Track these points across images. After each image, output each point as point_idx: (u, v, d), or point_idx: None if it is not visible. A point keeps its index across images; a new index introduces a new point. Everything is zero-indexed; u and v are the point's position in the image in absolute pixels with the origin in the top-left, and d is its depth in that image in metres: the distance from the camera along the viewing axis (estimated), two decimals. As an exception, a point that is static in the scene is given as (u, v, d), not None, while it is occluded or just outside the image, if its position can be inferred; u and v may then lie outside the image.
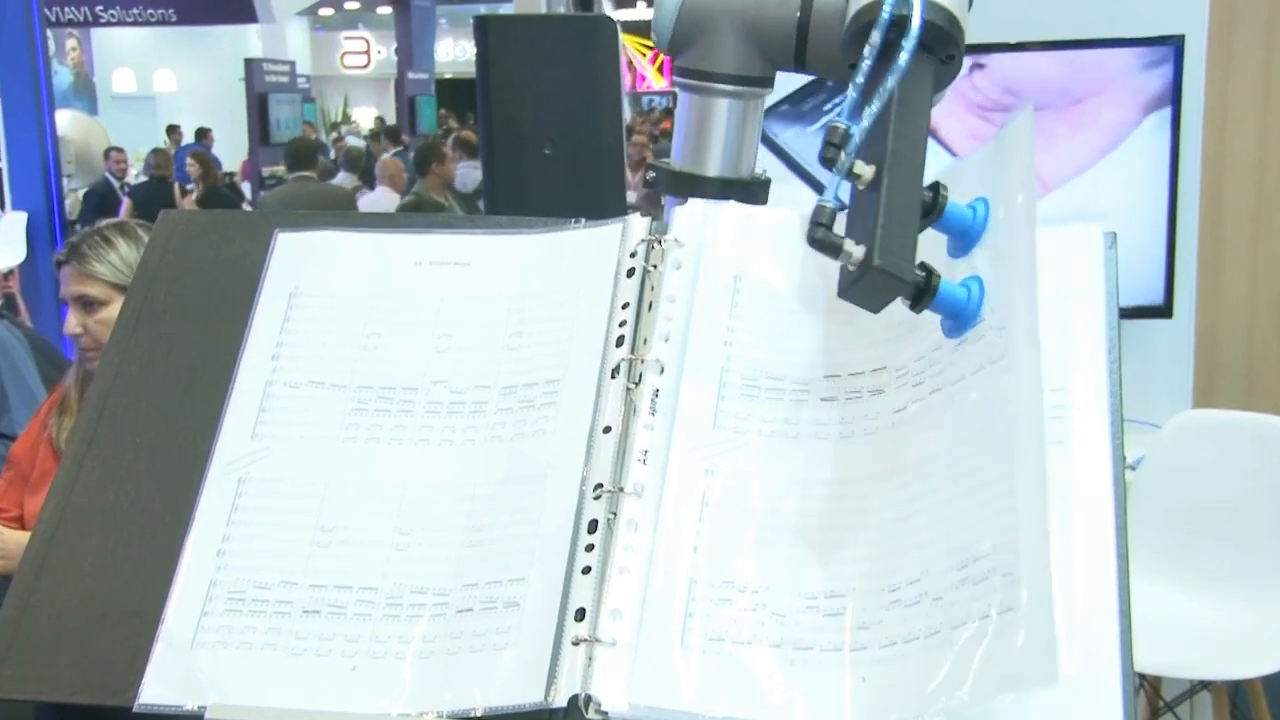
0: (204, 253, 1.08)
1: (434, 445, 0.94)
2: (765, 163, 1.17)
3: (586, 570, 0.84)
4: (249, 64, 14.21)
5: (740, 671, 0.80)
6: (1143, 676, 2.54)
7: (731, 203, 1.02)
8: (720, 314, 0.95)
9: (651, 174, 1.12)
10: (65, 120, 11.34)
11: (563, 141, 3.09)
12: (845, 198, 0.85)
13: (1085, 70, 2.90)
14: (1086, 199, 2.91)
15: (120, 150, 11.61)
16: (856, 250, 0.80)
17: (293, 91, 14.41)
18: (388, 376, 0.98)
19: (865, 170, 0.83)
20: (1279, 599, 2.38)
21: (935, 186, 0.86)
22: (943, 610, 0.76)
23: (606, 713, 0.79)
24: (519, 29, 3.36)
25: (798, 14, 1.06)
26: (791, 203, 1.02)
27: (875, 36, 0.87)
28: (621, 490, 0.87)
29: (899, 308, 0.83)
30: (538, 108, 2.89)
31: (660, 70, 28.42)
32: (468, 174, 7.98)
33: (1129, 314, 2.83)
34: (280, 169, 11.19)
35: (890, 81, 0.84)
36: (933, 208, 0.85)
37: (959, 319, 0.83)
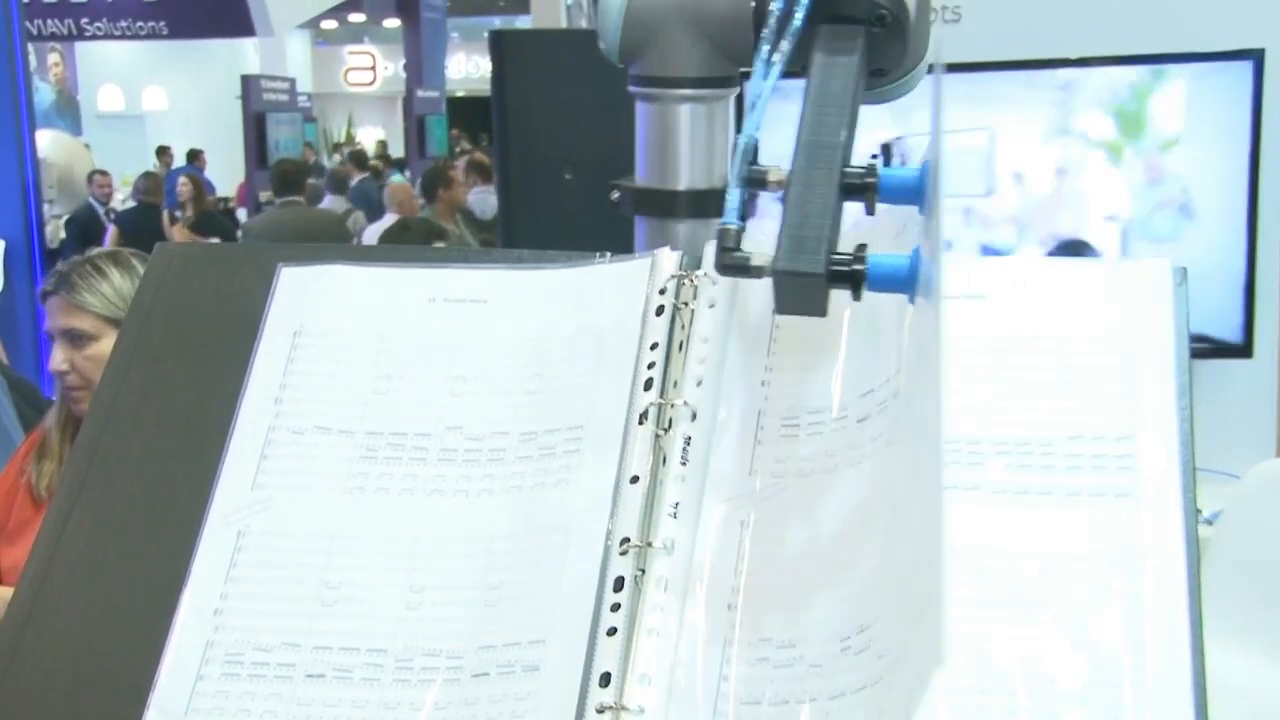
0: (202, 288, 1.09)
1: (448, 496, 0.95)
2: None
3: (612, 631, 0.85)
4: (246, 81, 14.35)
5: None
6: (1221, 753, 2.51)
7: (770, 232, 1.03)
8: (757, 353, 0.96)
9: (616, 193, 1.10)
10: (46, 141, 11.44)
11: (584, 165, 3.09)
12: (752, 213, 0.88)
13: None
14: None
15: (104, 174, 11.72)
16: (764, 261, 0.82)
17: (293, 110, 14.54)
18: (399, 422, 0.99)
19: (777, 172, 0.85)
20: (1371, 668, 2.36)
21: (881, 155, 0.87)
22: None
23: (633, 787, 0.79)
24: (537, 44, 3.39)
25: (752, 3, 1.03)
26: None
27: (774, 5, 0.88)
28: (650, 545, 0.88)
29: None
30: (557, 129, 2.91)
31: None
32: (485, 200, 8.02)
33: (1203, 354, 2.82)
34: (282, 193, 11.29)
35: (781, 48, 0.86)
36: (863, 186, 0.84)
37: (907, 292, 0.82)
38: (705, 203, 1.10)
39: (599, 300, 1.02)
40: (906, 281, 0.80)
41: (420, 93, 17.00)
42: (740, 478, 0.90)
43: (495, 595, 0.90)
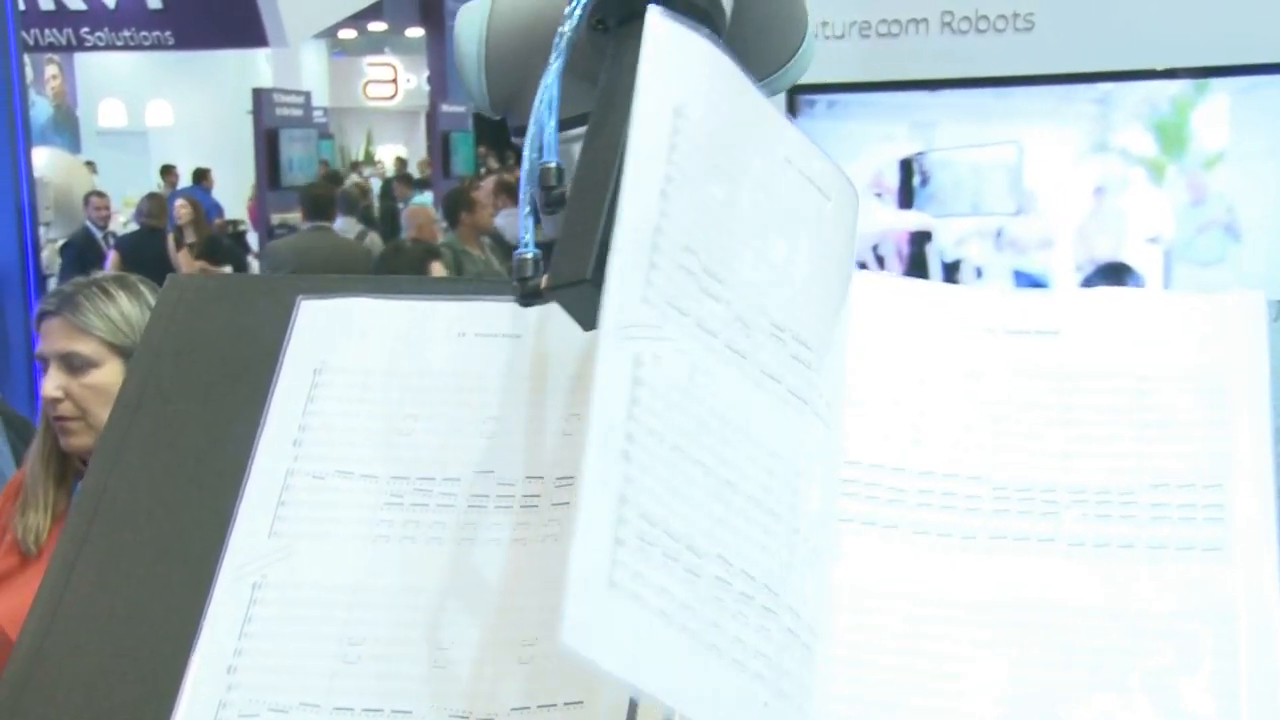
0: (216, 322, 1.11)
1: (479, 545, 0.96)
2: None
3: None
4: (257, 94, 14.46)
5: None
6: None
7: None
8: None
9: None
10: (44, 159, 11.58)
11: (623, 186, 3.08)
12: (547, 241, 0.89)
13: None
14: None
15: (101, 195, 11.80)
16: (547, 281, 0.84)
17: (307, 126, 14.64)
18: (426, 465, 1.00)
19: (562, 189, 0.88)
20: None
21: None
22: None
23: None
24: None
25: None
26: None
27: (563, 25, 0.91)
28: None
29: None
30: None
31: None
32: (514, 223, 8.03)
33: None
34: (293, 216, 11.33)
35: (552, 68, 0.90)
36: None
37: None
38: None
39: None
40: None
41: (445, 107, 17.10)
42: None
43: (529, 653, 0.90)
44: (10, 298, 8.71)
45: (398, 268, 7.05)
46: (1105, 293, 1.01)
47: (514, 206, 8.57)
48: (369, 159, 20.63)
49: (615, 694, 0.86)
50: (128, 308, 2.29)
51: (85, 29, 13.29)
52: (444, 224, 8.32)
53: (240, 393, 1.05)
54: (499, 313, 1.06)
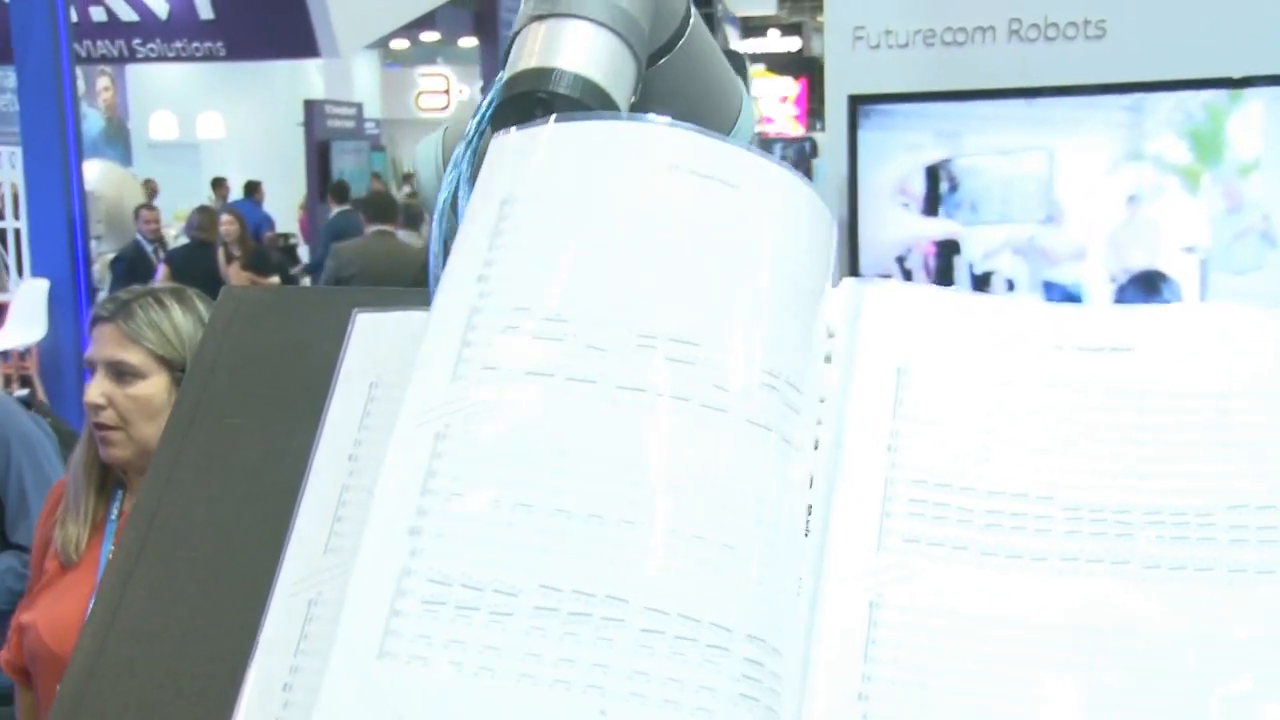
0: (271, 336, 1.11)
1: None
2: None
3: None
4: (309, 106, 14.60)
5: None
6: None
7: (890, 281, 1.03)
8: (880, 414, 0.96)
9: None
10: (95, 173, 11.72)
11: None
12: None
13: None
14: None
15: (151, 208, 11.93)
16: None
17: (359, 138, 14.77)
18: None
19: None
20: None
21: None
22: None
23: None
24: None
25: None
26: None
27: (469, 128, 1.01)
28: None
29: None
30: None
31: (798, 113, 28.55)
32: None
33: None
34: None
35: (443, 190, 0.98)
36: None
37: None
38: None
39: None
40: None
41: (498, 118, 17.13)
42: (868, 553, 0.90)
43: None
44: (62, 311, 8.81)
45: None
46: (1180, 309, 1.00)
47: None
48: (421, 171, 20.72)
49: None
50: (180, 321, 2.32)
51: (137, 40, 13.44)
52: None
53: (295, 408, 1.06)
54: None
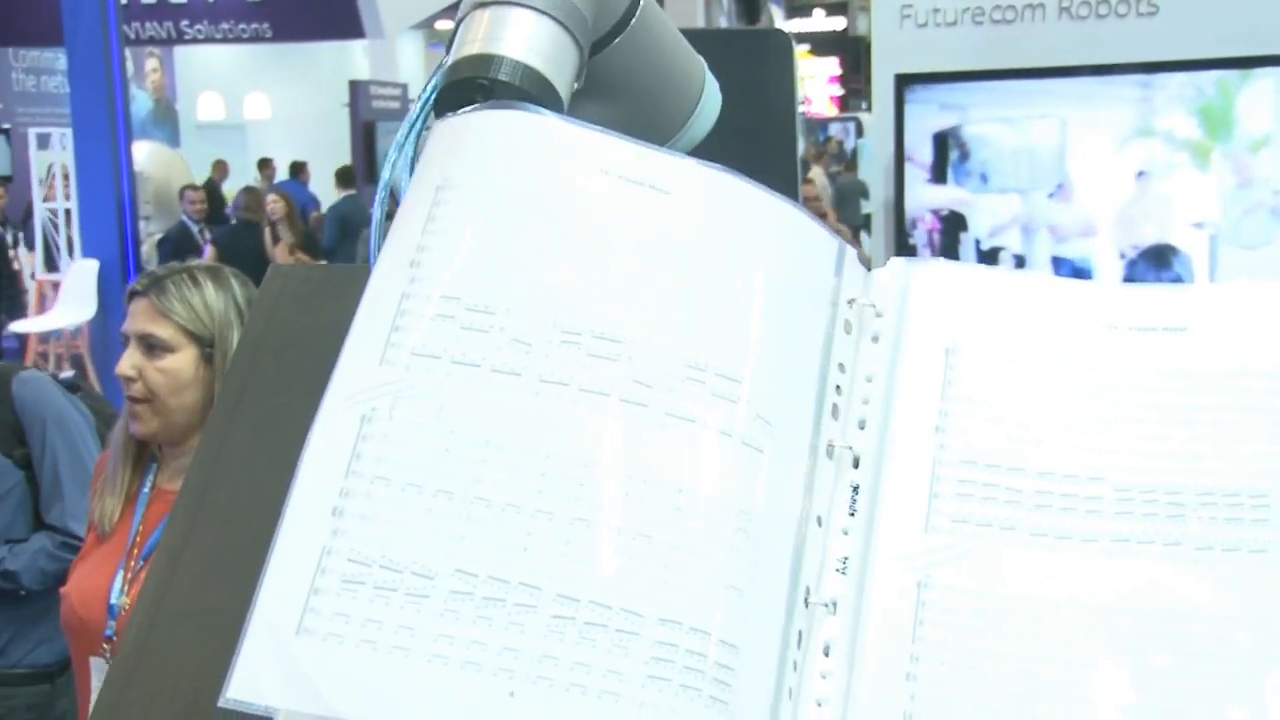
0: (318, 315, 1.12)
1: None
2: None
3: (790, 693, 0.84)
4: (354, 86, 14.64)
5: None
6: None
7: (938, 261, 1.03)
8: (929, 394, 0.95)
9: None
10: (143, 153, 11.79)
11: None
12: None
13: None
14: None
15: (196, 189, 11.98)
16: None
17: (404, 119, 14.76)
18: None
19: None
20: None
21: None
22: None
23: None
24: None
25: None
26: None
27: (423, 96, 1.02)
28: (807, 603, 0.87)
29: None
30: (697, 138, 2.93)
31: (844, 95, 28.41)
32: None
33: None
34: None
35: (391, 165, 1.00)
36: None
37: None
38: None
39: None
40: None
41: (543, 98, 17.13)
42: (915, 534, 0.90)
43: None
44: (112, 291, 8.88)
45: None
46: (1234, 288, 0.99)
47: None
48: (467, 152, 20.73)
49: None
50: (212, 298, 2.35)
51: (185, 21, 13.53)
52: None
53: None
54: None
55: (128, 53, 10.45)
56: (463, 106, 0.99)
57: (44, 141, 10.94)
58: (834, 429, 0.94)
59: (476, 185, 0.94)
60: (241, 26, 13.49)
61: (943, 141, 3.98)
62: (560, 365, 0.86)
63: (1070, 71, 3.85)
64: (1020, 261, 3.93)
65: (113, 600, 2.31)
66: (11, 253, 11.10)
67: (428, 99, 1.02)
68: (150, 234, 11.20)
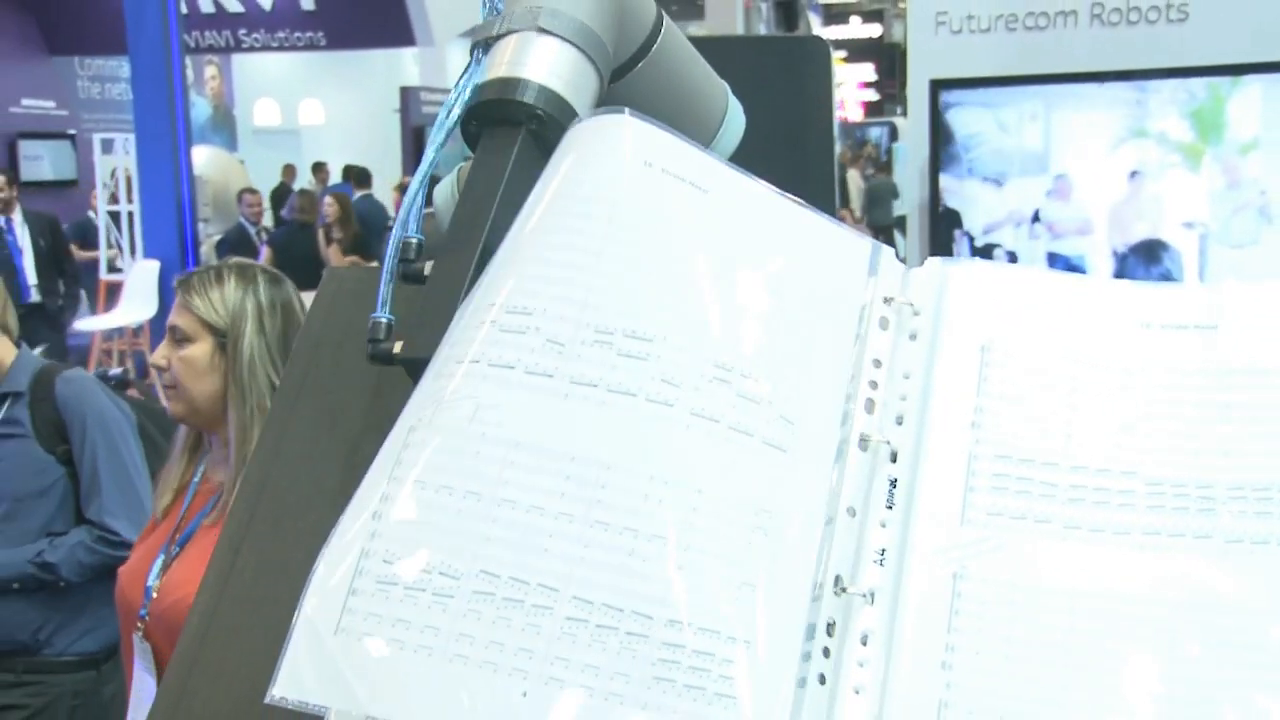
0: (372, 313, 1.12)
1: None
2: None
3: (822, 679, 0.84)
4: (404, 93, 14.68)
5: None
6: None
7: (974, 260, 1.02)
8: (964, 390, 0.95)
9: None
10: (203, 158, 11.87)
11: (764, 177, 3.11)
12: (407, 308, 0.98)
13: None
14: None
15: (254, 192, 12.05)
16: (400, 348, 0.95)
17: (454, 123, 14.79)
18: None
19: (429, 267, 0.98)
20: None
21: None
22: None
23: None
24: (715, 52, 3.41)
25: None
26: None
27: (440, 117, 1.03)
28: (844, 592, 0.87)
29: None
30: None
31: (879, 100, 28.33)
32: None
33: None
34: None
35: (423, 172, 1.01)
36: None
37: None
38: None
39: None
40: None
41: (588, 104, 17.15)
42: (951, 526, 0.89)
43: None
44: (172, 291, 8.93)
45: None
46: (1266, 287, 0.98)
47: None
48: (513, 156, 20.77)
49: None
50: (230, 292, 2.41)
51: (243, 30, 13.59)
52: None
53: (397, 382, 1.06)
54: None
55: (188, 61, 10.51)
56: (487, 126, 1.02)
57: (108, 146, 11.03)
58: (868, 422, 0.94)
59: (536, 193, 0.95)
60: (297, 35, 13.55)
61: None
62: (591, 366, 0.86)
63: (1101, 77, 3.83)
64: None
65: (149, 582, 2.37)
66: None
67: (453, 124, 1.04)
68: (209, 235, 11.26)
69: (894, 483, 0.92)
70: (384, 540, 0.80)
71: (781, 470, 0.88)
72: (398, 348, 0.95)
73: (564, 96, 1.03)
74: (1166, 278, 3.75)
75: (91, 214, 11.35)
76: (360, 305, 1.13)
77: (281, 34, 13.65)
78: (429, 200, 1.06)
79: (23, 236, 9.46)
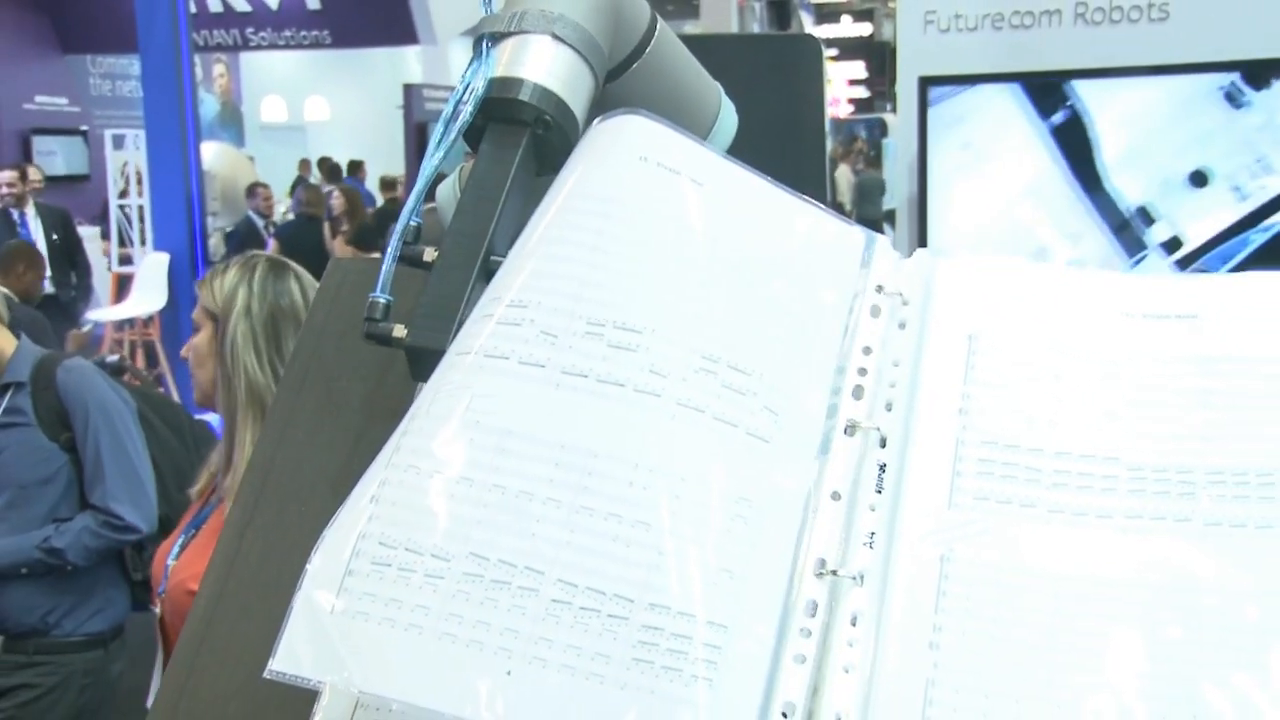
0: (375, 304, 1.12)
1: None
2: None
3: (801, 659, 0.84)
4: (408, 90, 14.64)
5: None
6: None
7: (962, 252, 1.02)
8: (952, 378, 0.95)
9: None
10: (210, 153, 11.85)
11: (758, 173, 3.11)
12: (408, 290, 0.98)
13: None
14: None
15: (265, 186, 12.04)
16: (401, 333, 0.95)
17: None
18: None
19: (430, 253, 0.98)
20: None
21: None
22: None
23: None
24: (710, 49, 3.40)
25: None
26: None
27: (447, 110, 1.02)
28: (835, 573, 0.87)
29: None
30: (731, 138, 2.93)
31: (867, 97, 28.31)
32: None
33: None
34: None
35: (432, 158, 1.00)
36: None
37: None
38: None
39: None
40: None
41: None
42: (939, 510, 0.89)
43: None
44: (182, 282, 8.94)
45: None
46: (1244, 277, 0.98)
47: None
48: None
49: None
50: (229, 281, 2.41)
51: (250, 29, 13.57)
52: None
53: (399, 371, 1.06)
54: None
55: (197, 59, 10.49)
56: (493, 122, 1.02)
57: (119, 142, 11.00)
58: (856, 409, 0.94)
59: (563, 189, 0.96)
60: (303, 34, 13.53)
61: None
62: (582, 357, 0.87)
63: (1085, 74, 3.83)
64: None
65: (168, 562, 2.39)
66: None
67: (462, 126, 1.04)
68: (217, 228, 11.24)
69: (883, 468, 0.92)
70: (380, 523, 0.80)
71: (764, 460, 0.88)
72: (398, 331, 0.95)
73: (561, 96, 1.04)
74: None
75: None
76: (363, 296, 1.13)
77: (288, 32, 13.63)
78: (431, 195, 1.06)
79: (35, 230, 9.45)
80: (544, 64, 1.04)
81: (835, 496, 0.90)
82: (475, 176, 1.00)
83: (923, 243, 4.00)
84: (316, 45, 13.88)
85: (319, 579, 0.79)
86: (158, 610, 2.38)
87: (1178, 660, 0.81)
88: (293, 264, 2.51)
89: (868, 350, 0.97)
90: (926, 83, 4.03)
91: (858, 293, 0.99)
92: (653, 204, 0.96)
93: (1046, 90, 3.84)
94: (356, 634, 0.76)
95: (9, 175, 9.39)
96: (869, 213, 14.66)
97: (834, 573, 0.87)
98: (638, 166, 0.97)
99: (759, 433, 0.89)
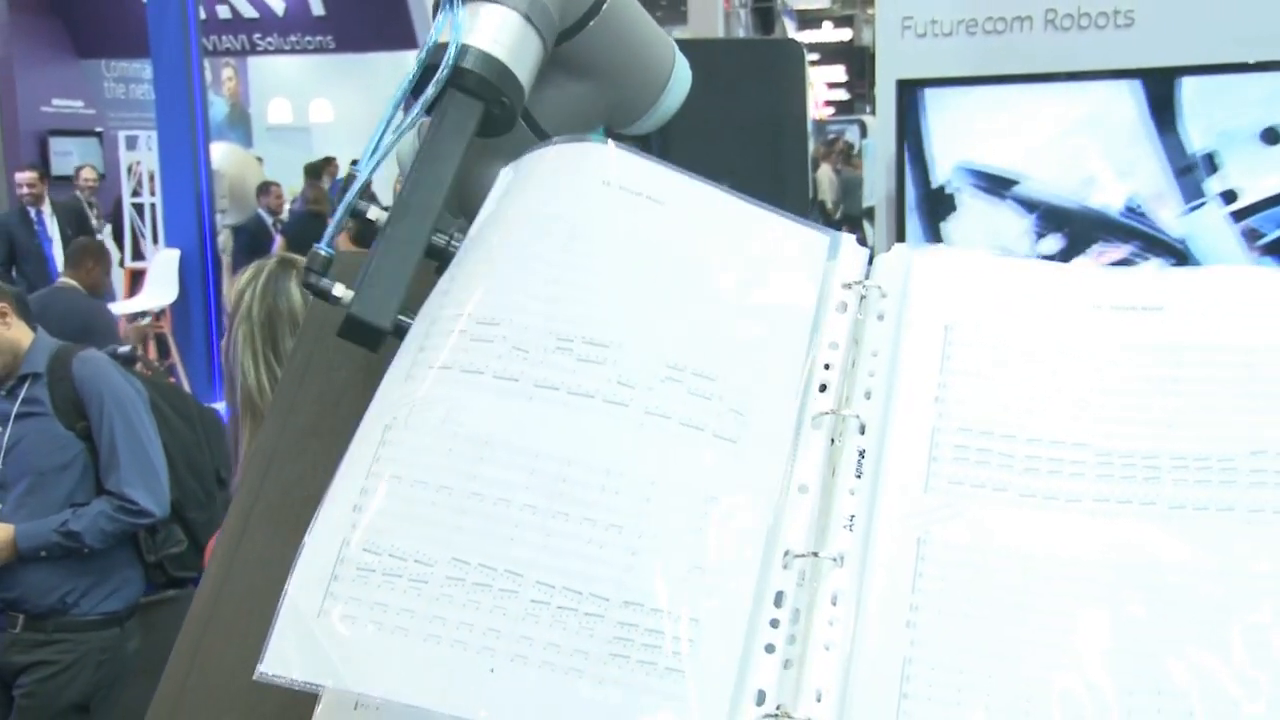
0: (376, 297, 1.11)
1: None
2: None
3: (770, 649, 0.84)
4: (409, 93, 14.59)
5: None
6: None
7: (938, 247, 1.02)
8: (929, 367, 0.95)
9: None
10: (219, 153, 11.81)
11: (742, 174, 3.10)
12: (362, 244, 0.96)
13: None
14: None
15: (277, 184, 12.02)
16: (345, 295, 0.95)
17: (454, 121, 14.75)
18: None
19: (379, 215, 0.98)
20: None
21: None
22: None
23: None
24: (696, 55, 3.39)
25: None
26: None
27: (407, 81, 1.01)
28: (815, 555, 0.87)
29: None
30: (716, 138, 2.92)
31: (847, 100, 28.32)
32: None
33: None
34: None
35: (398, 123, 1.00)
36: (444, 253, 0.96)
37: None
38: None
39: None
40: None
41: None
42: (916, 494, 0.89)
43: None
44: (191, 277, 8.93)
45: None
46: (1209, 270, 0.98)
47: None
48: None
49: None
50: (240, 285, 2.42)
51: (257, 35, 13.55)
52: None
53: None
54: None
55: (206, 63, 10.46)
56: (431, 88, 1.02)
57: (132, 143, 10.97)
58: (822, 402, 0.94)
59: (499, 212, 0.97)
60: (308, 39, 13.51)
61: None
62: (553, 371, 0.88)
63: (1054, 77, 3.83)
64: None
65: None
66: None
67: (407, 87, 1.04)
68: (226, 225, 11.22)
69: (863, 454, 0.91)
70: (363, 531, 0.80)
71: (731, 460, 0.89)
72: (339, 290, 0.95)
73: (505, 62, 1.03)
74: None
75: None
76: (363, 289, 1.13)
77: (293, 38, 13.60)
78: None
79: (52, 227, 9.43)
80: (490, 30, 1.04)
81: (803, 489, 0.90)
82: (430, 147, 0.99)
83: (900, 237, 4.00)
84: (321, 50, 13.86)
85: (304, 584, 0.79)
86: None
87: (1142, 637, 0.80)
88: (301, 261, 2.50)
89: (834, 345, 0.96)
90: (905, 86, 4.03)
91: (823, 292, 0.99)
92: (616, 224, 0.97)
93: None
94: (344, 637, 0.77)
95: (29, 175, 9.37)
96: (852, 209, 14.67)
97: (815, 554, 0.86)
98: (600, 190, 0.98)
99: (725, 434, 0.89)
